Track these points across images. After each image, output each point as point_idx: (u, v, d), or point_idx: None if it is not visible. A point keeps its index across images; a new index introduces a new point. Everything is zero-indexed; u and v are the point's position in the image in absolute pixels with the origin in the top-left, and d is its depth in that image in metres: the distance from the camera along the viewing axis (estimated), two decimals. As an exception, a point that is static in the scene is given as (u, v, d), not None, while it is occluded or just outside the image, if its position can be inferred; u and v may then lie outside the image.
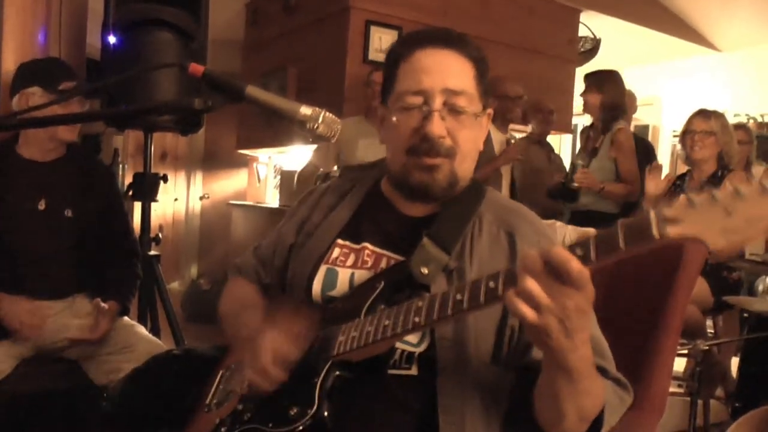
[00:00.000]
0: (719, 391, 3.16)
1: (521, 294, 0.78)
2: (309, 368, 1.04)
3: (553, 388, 0.91)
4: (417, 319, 0.91)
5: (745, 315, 2.99)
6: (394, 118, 1.14)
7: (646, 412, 1.32)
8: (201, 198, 6.93)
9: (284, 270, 1.26)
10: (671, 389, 2.65)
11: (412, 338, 1.06)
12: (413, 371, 1.06)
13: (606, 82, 3.69)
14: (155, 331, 2.42)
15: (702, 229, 0.70)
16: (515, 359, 1.06)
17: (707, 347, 2.03)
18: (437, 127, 1.10)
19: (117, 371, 1.91)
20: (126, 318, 2.14)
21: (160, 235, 2.70)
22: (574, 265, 0.76)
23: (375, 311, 1.01)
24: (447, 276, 1.08)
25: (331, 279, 1.16)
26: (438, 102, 1.10)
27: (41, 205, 2.03)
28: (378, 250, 1.16)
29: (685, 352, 2.49)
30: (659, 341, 1.33)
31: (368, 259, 1.16)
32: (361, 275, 1.14)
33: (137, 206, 2.63)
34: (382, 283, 1.07)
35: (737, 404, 2.42)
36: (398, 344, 1.05)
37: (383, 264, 1.14)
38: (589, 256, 0.76)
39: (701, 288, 2.91)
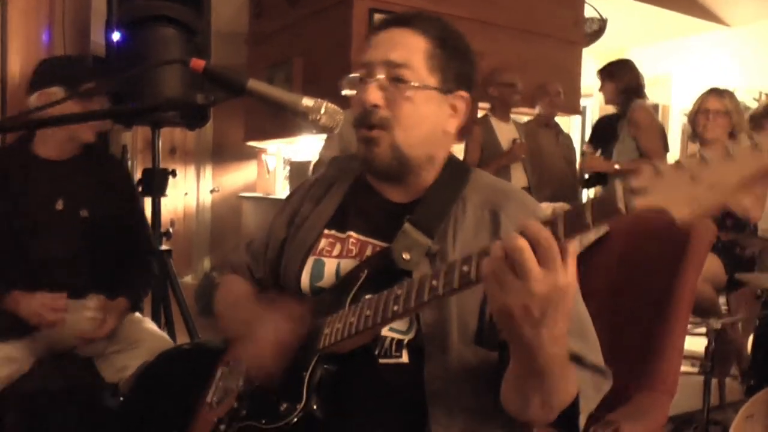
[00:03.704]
0: (735, 370, 3.15)
1: (487, 268, 0.77)
2: (299, 362, 1.05)
3: (518, 380, 0.90)
4: (396, 308, 0.91)
5: (759, 292, 2.97)
6: (349, 93, 1.16)
7: (658, 392, 1.33)
8: (211, 191, 6.97)
9: (277, 264, 1.26)
10: (688, 369, 2.65)
11: (401, 325, 1.06)
12: (404, 359, 1.06)
13: (616, 70, 3.82)
14: (169, 325, 2.44)
15: (667, 198, 0.67)
16: (495, 338, 1.03)
17: (720, 326, 2.02)
18: (371, 94, 1.09)
19: (125, 369, 1.92)
20: (137, 314, 2.15)
21: (171, 230, 2.72)
22: (544, 234, 0.73)
23: (359, 301, 1.01)
24: (430, 260, 1.07)
25: (318, 270, 1.16)
26: (378, 73, 1.11)
27: (59, 206, 2.01)
28: (363, 238, 1.16)
29: (701, 331, 2.49)
30: (669, 322, 1.33)
31: (353, 247, 1.15)
32: (347, 264, 1.13)
33: (147, 202, 2.65)
34: (366, 271, 1.07)
35: (752, 382, 2.41)
36: (387, 332, 1.05)
37: (368, 252, 1.13)
38: (557, 233, 0.74)
39: (715, 265, 2.89)
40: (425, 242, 1.07)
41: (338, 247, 1.17)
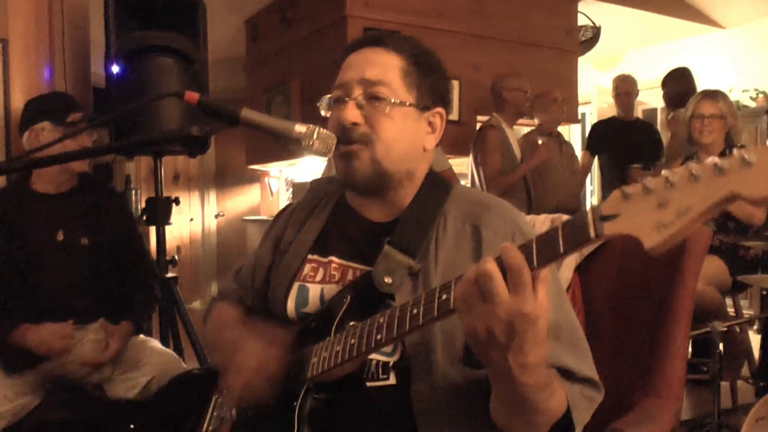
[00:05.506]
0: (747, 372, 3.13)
1: (458, 291, 0.78)
2: (288, 392, 1.04)
3: (500, 402, 0.91)
4: (379, 337, 0.91)
5: (765, 292, 2.96)
6: (327, 114, 1.16)
7: (663, 399, 1.32)
8: (216, 216, 7.00)
9: (265, 291, 1.26)
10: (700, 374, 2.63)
11: (386, 348, 1.05)
12: (391, 381, 1.06)
13: (667, 79, 4.11)
14: (178, 351, 2.45)
15: (636, 225, 0.65)
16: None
17: (725, 328, 2.02)
18: (349, 113, 1.10)
19: (134, 387, 1.97)
20: (141, 336, 2.19)
21: (176, 257, 2.74)
22: (516, 260, 0.73)
23: (344, 328, 1.01)
24: (413, 279, 1.07)
25: (303, 296, 1.16)
26: (356, 92, 1.11)
27: (59, 237, 2.08)
28: (344, 262, 1.16)
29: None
30: (670, 327, 1.33)
31: (335, 272, 1.15)
32: (330, 290, 1.13)
33: (153, 230, 2.68)
34: (349, 297, 1.07)
35: (762, 384, 2.40)
36: (373, 355, 1.05)
37: (350, 276, 1.13)
38: (531, 260, 0.74)
39: (719, 268, 2.89)
40: (407, 262, 1.06)
41: (321, 272, 1.17)
